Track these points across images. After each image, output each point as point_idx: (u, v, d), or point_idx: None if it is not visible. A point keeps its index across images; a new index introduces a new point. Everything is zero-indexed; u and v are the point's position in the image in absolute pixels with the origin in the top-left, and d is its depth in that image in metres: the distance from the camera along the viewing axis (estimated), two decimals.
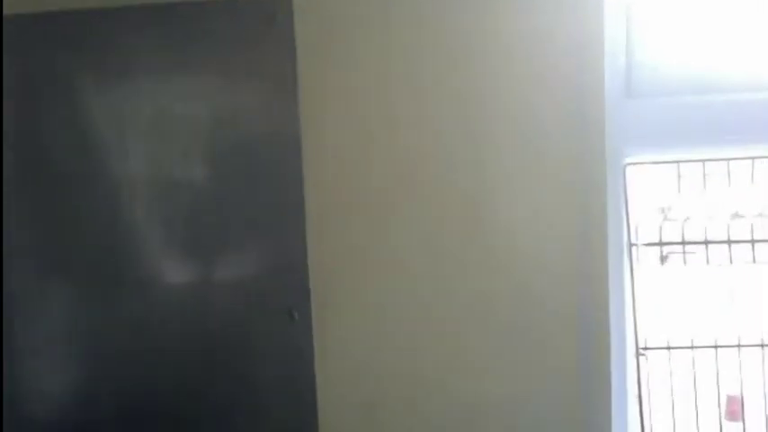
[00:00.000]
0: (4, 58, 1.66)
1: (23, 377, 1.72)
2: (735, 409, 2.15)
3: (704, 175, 1.98)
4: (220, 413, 1.70)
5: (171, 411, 1.71)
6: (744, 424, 2.08)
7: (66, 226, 1.71)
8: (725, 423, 2.09)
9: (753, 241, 1.88)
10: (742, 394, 2.03)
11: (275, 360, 1.69)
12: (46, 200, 1.72)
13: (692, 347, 1.78)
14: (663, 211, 2.13)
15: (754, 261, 1.90)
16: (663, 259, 2.05)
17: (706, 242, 1.82)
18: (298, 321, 1.65)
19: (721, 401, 2.04)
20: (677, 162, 1.79)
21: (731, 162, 1.91)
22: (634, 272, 1.71)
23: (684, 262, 1.93)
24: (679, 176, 1.82)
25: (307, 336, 1.66)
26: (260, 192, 1.67)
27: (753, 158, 1.87)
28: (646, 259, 1.89)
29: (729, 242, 1.86)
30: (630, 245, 1.71)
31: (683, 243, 1.82)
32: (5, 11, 1.66)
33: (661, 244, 1.80)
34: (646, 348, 1.74)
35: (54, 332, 1.74)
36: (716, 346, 1.79)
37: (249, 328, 1.69)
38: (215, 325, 1.70)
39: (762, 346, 1.89)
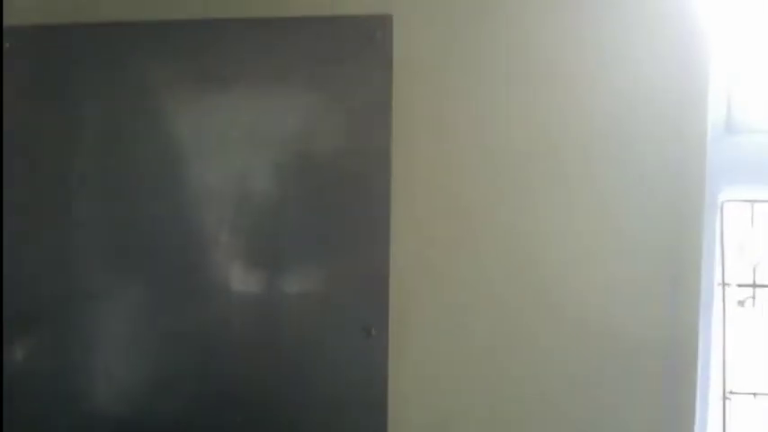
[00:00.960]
0: (93, 63, 1.71)
1: (91, 374, 1.76)
2: None
3: None
4: (287, 425, 1.70)
5: (237, 419, 1.72)
6: None
7: (142, 229, 1.74)
8: None
9: None
10: None
11: (348, 375, 1.68)
12: (123, 201, 1.75)
13: None
14: (742, 249, 2.05)
15: None
16: (741, 303, 1.98)
17: None
18: (375, 337, 1.65)
19: None
20: None
21: None
22: (725, 313, 1.65)
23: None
24: None
25: (383, 353, 1.65)
26: (346, 206, 1.68)
27: None
28: (731, 301, 1.82)
29: None
30: (724, 285, 1.65)
31: None
32: (109, 17, 1.72)
33: (754, 286, 1.73)
34: (732, 393, 1.67)
35: (126, 331, 1.77)
36: None
37: (323, 341, 1.69)
38: (289, 337, 1.71)
39: None
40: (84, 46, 1.73)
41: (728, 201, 1.66)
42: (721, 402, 1.67)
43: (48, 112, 1.74)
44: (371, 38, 1.61)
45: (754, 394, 1.72)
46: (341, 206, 1.67)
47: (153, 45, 1.73)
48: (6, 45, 1.74)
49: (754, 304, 1.78)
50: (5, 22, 1.73)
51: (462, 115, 1.67)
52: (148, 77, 1.73)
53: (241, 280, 1.74)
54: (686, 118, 1.56)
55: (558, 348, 1.63)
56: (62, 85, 1.72)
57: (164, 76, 1.73)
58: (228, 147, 1.72)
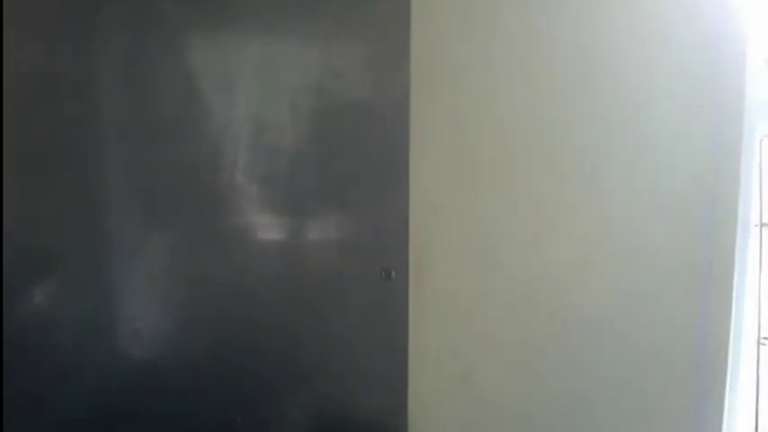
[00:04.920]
0: (107, 2, 1.67)
1: (113, 317, 1.77)
2: None
3: None
4: (307, 369, 1.69)
5: (257, 362, 1.71)
6: None
7: (165, 173, 1.72)
8: None
9: None
10: None
11: (368, 318, 1.65)
12: (147, 146, 1.73)
13: None
14: None
15: None
16: None
17: None
18: (394, 280, 1.62)
19: None
20: None
21: None
22: (762, 254, 1.57)
23: None
24: None
25: (403, 296, 1.62)
26: (364, 148, 1.63)
27: None
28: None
29: None
30: (762, 225, 1.58)
31: None
32: None
33: None
34: (767, 339, 1.61)
35: (152, 275, 1.77)
36: None
37: (343, 284, 1.66)
38: (309, 281, 1.68)
39: None
40: None
41: None
42: (755, 348, 1.61)
43: (64, 54, 1.72)
44: None
45: None
46: (358, 149, 1.62)
47: None
48: None
49: None
50: None
51: (486, 55, 1.60)
52: (162, 16, 1.69)
53: (259, 224, 1.72)
54: (725, 49, 1.47)
55: (582, 293, 1.59)
56: (77, 25, 1.70)
57: (176, 13, 1.68)
58: (241, 88, 1.68)
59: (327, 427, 1.64)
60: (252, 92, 1.66)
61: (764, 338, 1.61)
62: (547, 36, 1.57)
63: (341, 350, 1.66)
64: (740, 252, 1.57)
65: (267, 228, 1.71)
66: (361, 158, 1.63)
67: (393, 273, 1.61)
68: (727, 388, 1.54)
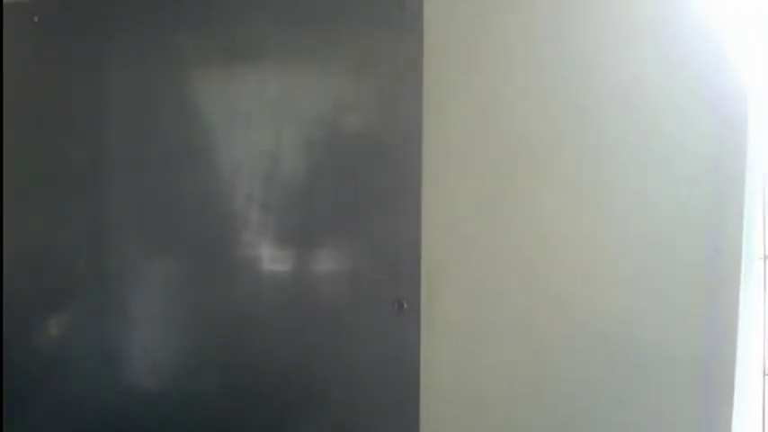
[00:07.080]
0: (121, 35, 1.69)
1: (123, 347, 1.77)
2: None
3: None
4: (319, 399, 1.70)
5: (269, 393, 1.71)
6: None
7: (173, 205, 1.73)
8: None
9: None
10: None
11: (379, 350, 1.66)
12: (153, 177, 1.74)
13: None
14: None
15: None
16: None
17: None
18: (406, 311, 1.63)
19: None
20: None
21: None
22: (767, 286, 1.60)
23: None
24: None
25: (415, 327, 1.63)
26: (376, 179, 1.65)
27: None
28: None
29: None
30: (766, 258, 1.60)
31: None
32: None
33: None
34: None
35: (159, 307, 1.77)
36: None
37: (356, 315, 1.68)
38: (320, 312, 1.70)
39: None
40: (111, 17, 1.72)
41: None
42: (761, 380, 1.63)
43: (76, 87, 1.73)
44: (401, 5, 1.58)
45: None
46: (371, 181, 1.65)
47: (177, 13, 1.71)
48: (35, 19, 1.75)
49: None
50: None
51: (495, 88, 1.63)
52: (175, 49, 1.71)
53: (271, 256, 1.73)
54: (728, 87, 1.51)
55: (593, 321, 1.61)
56: (89, 58, 1.71)
57: (190, 48, 1.70)
58: (256, 122, 1.70)
59: None
60: (265, 124, 1.69)
61: None
62: (555, 71, 1.60)
63: (353, 380, 1.66)
64: (744, 285, 1.59)
65: (280, 258, 1.72)
66: (373, 190, 1.65)
67: (405, 304, 1.62)
68: (734, 421, 1.55)
